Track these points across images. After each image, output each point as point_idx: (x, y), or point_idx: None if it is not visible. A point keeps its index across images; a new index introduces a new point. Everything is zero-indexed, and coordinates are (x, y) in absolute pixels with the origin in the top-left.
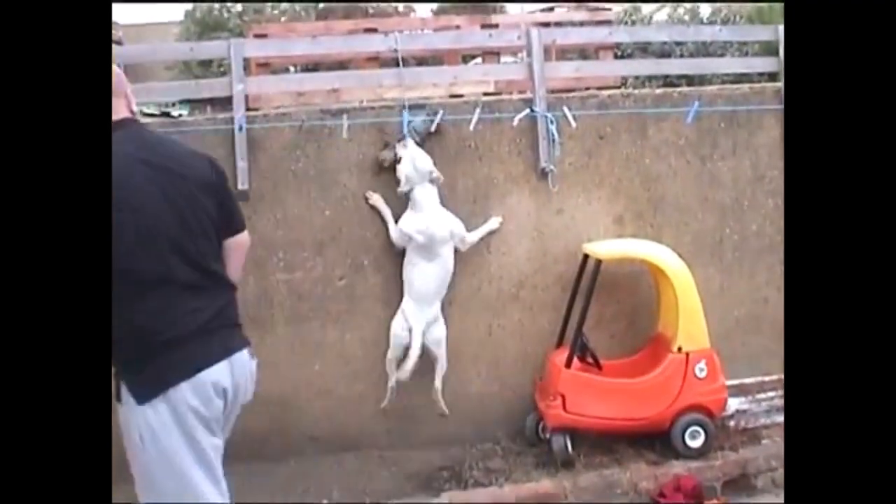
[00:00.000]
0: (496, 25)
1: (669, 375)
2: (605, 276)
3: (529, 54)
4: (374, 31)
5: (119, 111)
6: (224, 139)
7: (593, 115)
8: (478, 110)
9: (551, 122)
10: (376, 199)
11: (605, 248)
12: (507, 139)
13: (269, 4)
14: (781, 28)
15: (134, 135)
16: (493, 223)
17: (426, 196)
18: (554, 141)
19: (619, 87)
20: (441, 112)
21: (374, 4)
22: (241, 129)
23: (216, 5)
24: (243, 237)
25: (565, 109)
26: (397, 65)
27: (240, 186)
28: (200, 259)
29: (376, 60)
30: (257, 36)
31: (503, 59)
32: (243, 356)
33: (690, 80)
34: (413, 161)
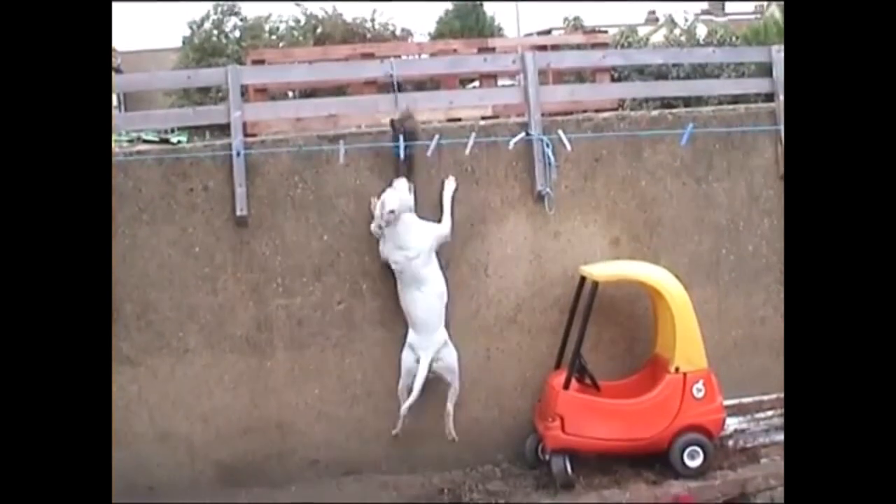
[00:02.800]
0: (493, 49)
1: (667, 396)
2: (603, 299)
3: (525, 78)
4: (372, 55)
5: None
6: (222, 165)
7: (589, 138)
8: (473, 135)
9: (547, 145)
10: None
11: (602, 270)
12: (504, 163)
13: (267, 30)
14: (775, 49)
15: None
16: (450, 185)
17: (409, 222)
18: (550, 164)
19: (616, 109)
20: (437, 137)
21: (372, 29)
22: (238, 154)
23: (215, 31)
24: None
25: (560, 133)
26: (394, 90)
27: (238, 212)
28: None
29: (374, 85)
30: (255, 62)
31: (501, 81)
32: None
33: (687, 101)
34: (400, 195)
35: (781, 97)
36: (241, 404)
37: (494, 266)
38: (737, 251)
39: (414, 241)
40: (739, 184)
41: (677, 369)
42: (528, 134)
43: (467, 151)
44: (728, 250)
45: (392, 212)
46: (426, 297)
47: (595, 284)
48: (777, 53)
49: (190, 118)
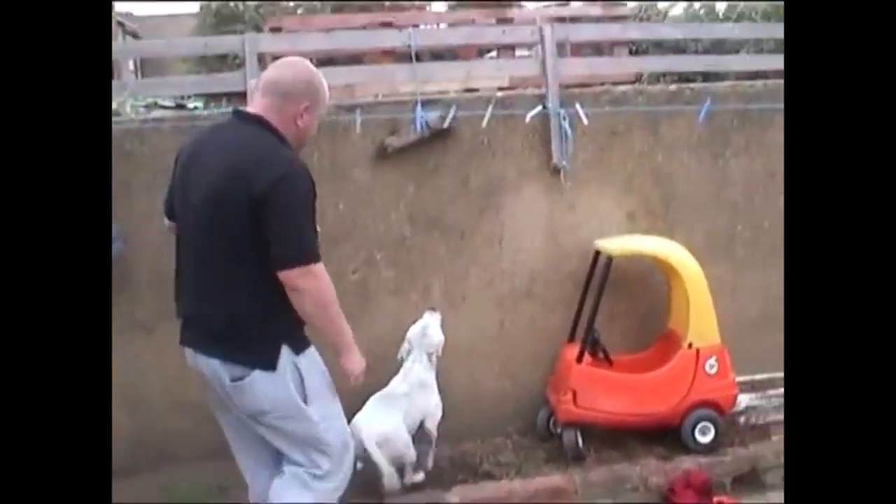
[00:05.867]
0: (511, 20)
1: (680, 371)
2: (617, 273)
3: (543, 50)
4: (390, 24)
5: (255, 107)
6: None
7: (606, 111)
8: (491, 106)
9: (564, 118)
10: None
11: (617, 245)
12: (521, 135)
13: None
14: None
15: (222, 129)
16: None
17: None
18: (567, 137)
19: (634, 83)
20: (454, 107)
21: None
22: None
23: None
24: (288, 276)
25: (578, 106)
26: (411, 60)
27: None
28: (209, 261)
29: (391, 54)
30: (273, 29)
31: (518, 52)
32: (212, 363)
33: (706, 75)
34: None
35: None
36: None
37: (509, 238)
38: (752, 228)
39: None
40: (756, 160)
41: (690, 345)
42: (545, 107)
43: (484, 123)
44: (744, 227)
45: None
46: None
47: (609, 258)
48: None
49: (206, 85)
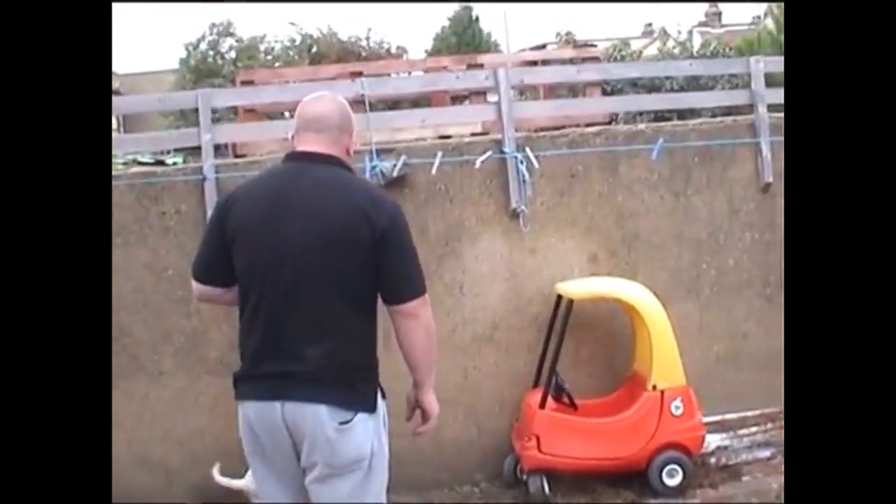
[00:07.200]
0: (482, 65)
1: (645, 414)
2: (581, 316)
3: (498, 95)
4: (360, 74)
5: (316, 145)
6: (195, 188)
7: (564, 154)
8: (440, 154)
9: (521, 162)
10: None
11: (578, 288)
12: (478, 181)
13: (262, 50)
14: (753, 60)
15: (296, 172)
16: None
17: None
18: (525, 181)
19: (609, 123)
20: (403, 157)
21: (367, 47)
22: (205, 179)
23: (210, 52)
24: (410, 306)
25: (528, 150)
26: (366, 109)
27: None
28: (316, 306)
29: (360, 104)
30: (244, 83)
31: (491, 97)
32: (313, 410)
33: (682, 113)
34: None
35: (761, 109)
36: (217, 427)
37: (470, 284)
38: (717, 265)
39: None
40: (719, 197)
41: (654, 387)
42: (501, 151)
43: (433, 171)
44: (708, 264)
45: None
46: None
47: (571, 302)
48: (756, 64)
49: (166, 141)
